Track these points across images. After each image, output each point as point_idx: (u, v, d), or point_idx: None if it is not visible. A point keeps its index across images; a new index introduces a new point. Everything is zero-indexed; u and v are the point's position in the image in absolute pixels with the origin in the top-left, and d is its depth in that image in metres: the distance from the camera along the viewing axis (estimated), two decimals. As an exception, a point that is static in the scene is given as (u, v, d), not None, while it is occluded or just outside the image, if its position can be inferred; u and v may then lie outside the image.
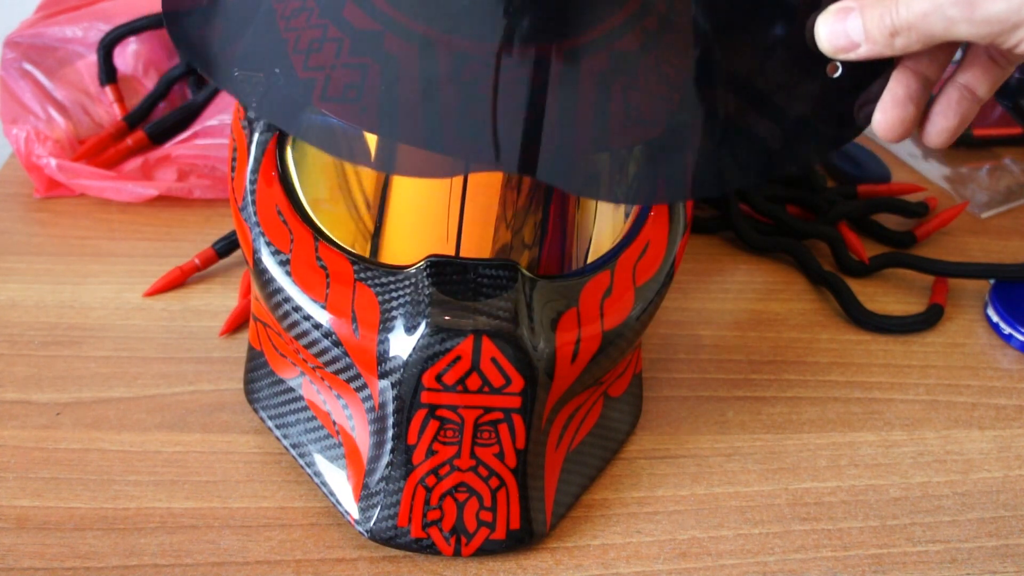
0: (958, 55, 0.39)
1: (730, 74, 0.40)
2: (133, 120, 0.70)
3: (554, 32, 0.39)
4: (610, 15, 0.40)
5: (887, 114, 0.38)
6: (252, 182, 0.45)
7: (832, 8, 0.36)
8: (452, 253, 0.43)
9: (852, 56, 0.36)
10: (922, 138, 0.39)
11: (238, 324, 0.56)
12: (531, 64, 0.38)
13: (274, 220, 0.44)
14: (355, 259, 0.43)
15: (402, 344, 0.40)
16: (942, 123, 0.38)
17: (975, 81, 0.38)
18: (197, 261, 0.59)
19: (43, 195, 0.67)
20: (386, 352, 0.41)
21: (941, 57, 0.38)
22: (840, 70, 0.39)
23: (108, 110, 0.71)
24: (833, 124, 0.40)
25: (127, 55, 0.72)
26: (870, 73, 0.38)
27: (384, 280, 0.42)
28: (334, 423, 0.45)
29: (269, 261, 0.44)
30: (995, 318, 0.61)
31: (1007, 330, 0.60)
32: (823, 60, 0.37)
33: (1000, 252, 0.70)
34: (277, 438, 0.48)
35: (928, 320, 0.61)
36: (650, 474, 0.49)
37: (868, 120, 0.39)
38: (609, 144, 0.39)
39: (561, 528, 0.46)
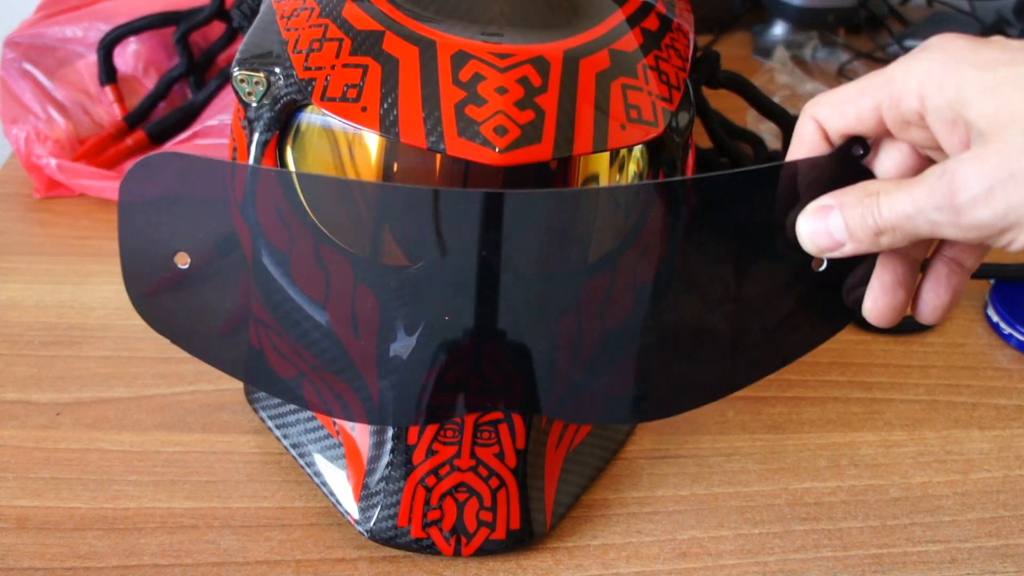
0: None
1: (711, 282, 0.39)
2: (133, 120, 0.70)
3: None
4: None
5: (877, 302, 0.37)
6: (252, 182, 0.45)
7: (811, 207, 0.35)
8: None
9: (837, 255, 0.34)
10: (916, 317, 0.37)
11: (238, 324, 0.56)
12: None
13: (274, 220, 0.44)
14: (355, 259, 0.43)
15: (402, 344, 0.40)
16: (934, 301, 0.37)
17: (963, 255, 0.36)
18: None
19: (43, 195, 0.67)
20: (386, 352, 0.41)
21: (928, 240, 0.35)
22: (824, 263, 0.37)
23: (108, 110, 0.71)
24: (825, 314, 0.39)
25: (127, 55, 0.72)
26: (855, 260, 0.37)
27: (384, 280, 0.42)
28: (334, 423, 0.45)
29: (269, 261, 0.43)
30: (995, 318, 0.61)
31: (1007, 330, 0.60)
32: (806, 256, 0.36)
33: (1000, 252, 0.70)
34: (277, 438, 0.48)
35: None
36: (650, 474, 0.49)
37: (858, 305, 0.38)
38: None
39: (561, 528, 0.46)
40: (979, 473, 0.51)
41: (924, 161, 0.35)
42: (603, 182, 0.44)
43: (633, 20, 0.43)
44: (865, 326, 0.60)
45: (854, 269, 0.37)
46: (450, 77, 0.38)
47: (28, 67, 0.69)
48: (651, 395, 0.41)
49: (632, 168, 0.45)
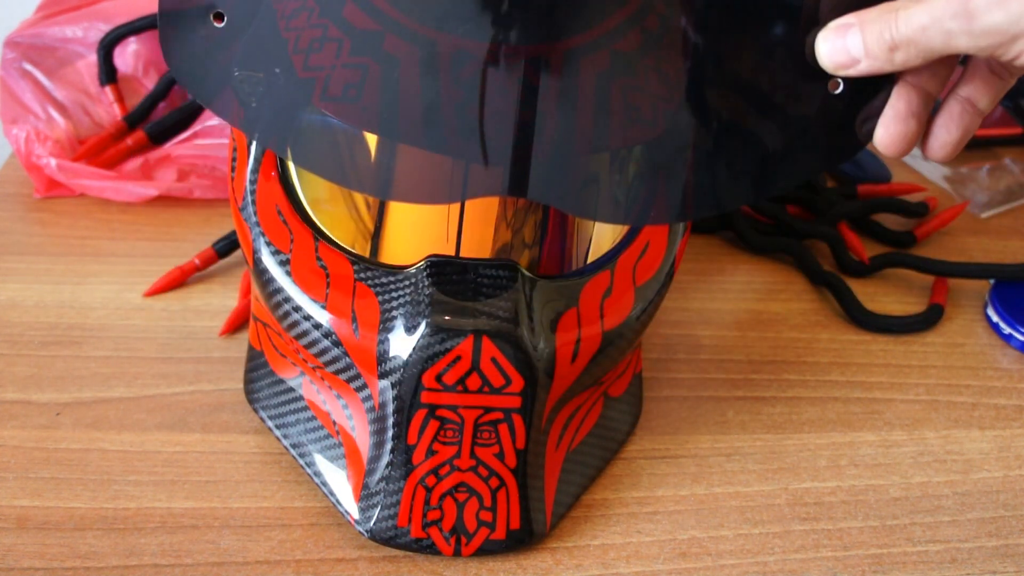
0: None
1: (731, 79, 0.40)
2: (133, 120, 0.70)
3: (552, 32, 0.39)
4: (609, 15, 0.40)
5: (889, 129, 0.38)
6: (252, 182, 0.45)
7: (832, 24, 0.36)
8: (452, 253, 0.43)
9: (852, 72, 0.36)
10: (924, 152, 0.39)
11: (238, 324, 0.56)
12: (524, 67, 0.38)
13: (274, 220, 0.44)
14: (355, 259, 0.43)
15: (402, 344, 0.40)
16: (944, 136, 0.38)
17: (976, 94, 0.38)
18: (197, 261, 0.59)
19: (43, 195, 0.67)
20: (386, 352, 0.41)
21: (942, 72, 0.38)
22: (841, 86, 0.39)
23: (108, 110, 0.71)
24: (835, 139, 0.40)
25: (127, 55, 0.72)
26: (872, 88, 0.38)
27: (384, 280, 0.42)
28: (334, 423, 0.45)
29: (269, 261, 0.44)
30: (995, 318, 0.61)
31: (1007, 330, 0.60)
32: (824, 76, 0.37)
33: (1000, 252, 0.70)
34: (277, 438, 0.48)
35: (928, 320, 0.61)
36: (650, 474, 0.49)
37: (870, 135, 0.39)
38: (608, 145, 0.39)
39: (561, 528, 0.46)
40: (979, 473, 0.51)
41: None
42: (603, 182, 0.44)
43: (634, 20, 0.43)
44: (865, 326, 0.60)
45: (871, 98, 0.38)
46: (450, 77, 0.38)
47: (28, 67, 0.69)
48: (665, 195, 0.41)
49: (632, 168, 0.45)
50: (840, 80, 0.39)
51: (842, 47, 0.36)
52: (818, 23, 0.37)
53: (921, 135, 0.38)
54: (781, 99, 0.40)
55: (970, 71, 0.39)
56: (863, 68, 0.35)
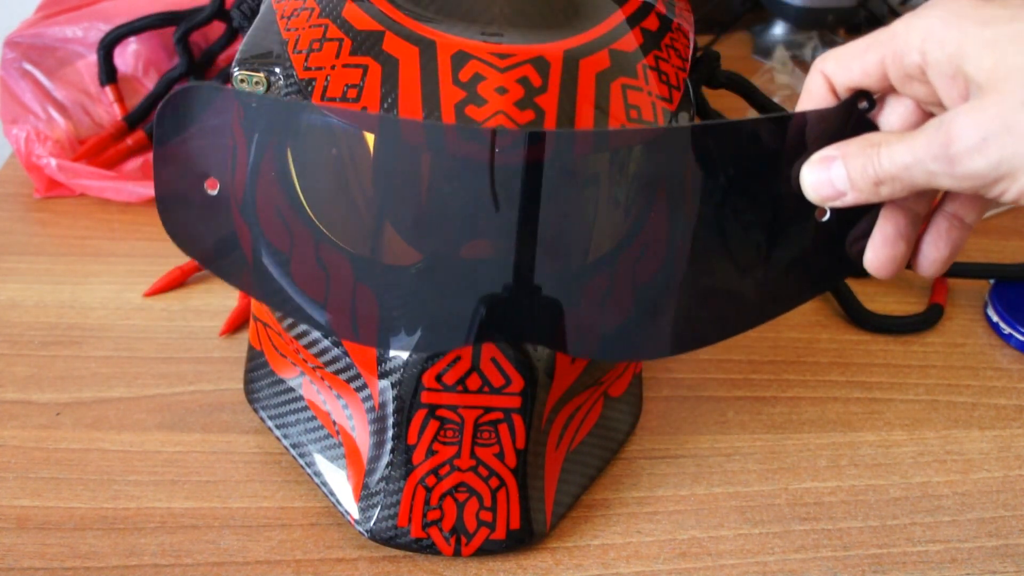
0: None
1: (720, 219, 0.39)
2: (133, 120, 0.70)
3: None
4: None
5: (878, 253, 0.37)
6: (252, 182, 0.45)
7: (815, 157, 0.35)
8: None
9: (839, 204, 0.35)
10: (915, 269, 0.38)
11: (238, 324, 0.56)
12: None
13: (274, 220, 0.44)
14: (355, 259, 0.43)
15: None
16: (933, 254, 0.37)
17: (963, 210, 0.37)
18: (197, 261, 0.59)
19: (43, 195, 0.67)
20: (386, 352, 0.41)
21: (929, 194, 0.37)
22: (828, 214, 0.38)
23: (108, 110, 0.71)
24: (825, 264, 0.40)
25: (127, 55, 0.72)
26: (859, 211, 0.37)
27: (384, 280, 0.42)
28: (334, 423, 0.45)
29: (269, 261, 0.43)
30: (995, 318, 0.61)
31: (1007, 330, 0.60)
32: (811, 205, 0.36)
33: (1000, 252, 0.70)
34: (277, 438, 0.48)
35: (928, 320, 0.61)
36: (650, 474, 0.49)
37: (860, 256, 0.38)
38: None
39: (561, 528, 0.46)
40: (979, 473, 0.51)
41: (927, 116, 0.36)
42: (603, 182, 0.44)
43: (633, 20, 0.43)
44: (865, 326, 0.60)
45: (858, 221, 0.38)
46: (450, 77, 0.38)
47: (28, 67, 0.69)
48: (659, 332, 0.41)
49: (632, 168, 0.45)
50: (827, 208, 0.38)
51: (827, 180, 0.35)
52: (803, 153, 0.36)
53: (909, 256, 0.38)
54: (771, 233, 0.39)
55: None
56: (849, 200, 0.35)
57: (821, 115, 0.37)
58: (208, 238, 0.39)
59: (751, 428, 0.53)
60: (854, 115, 0.36)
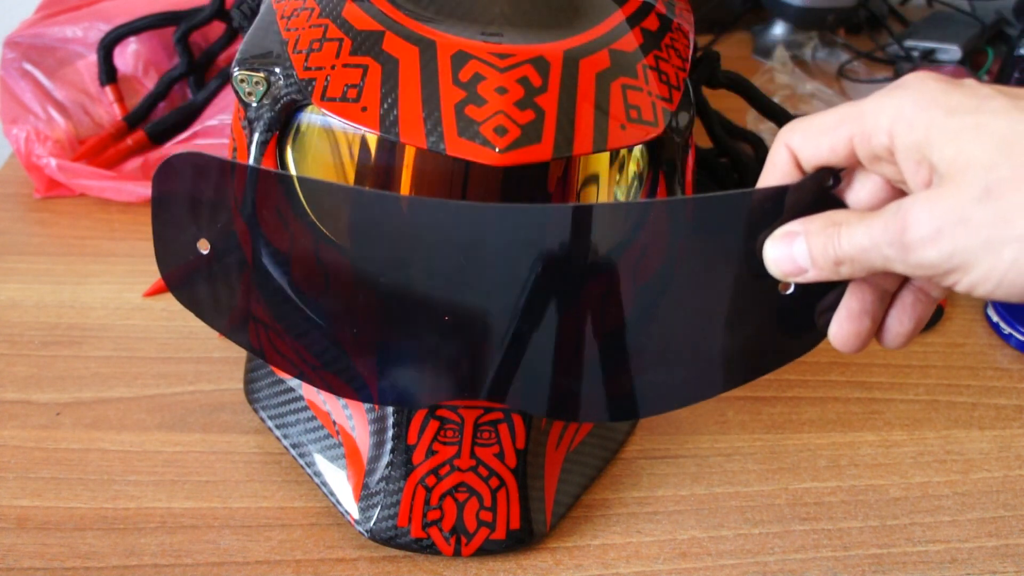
0: None
1: (686, 295, 0.39)
2: (133, 120, 0.70)
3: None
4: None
5: (843, 328, 0.37)
6: (252, 182, 0.45)
7: (778, 233, 0.35)
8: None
9: (800, 280, 0.35)
10: (880, 342, 0.38)
11: (238, 324, 0.56)
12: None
13: (274, 220, 0.44)
14: (354, 259, 0.43)
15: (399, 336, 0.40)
16: (897, 328, 0.37)
17: (929, 285, 0.36)
18: (197, 261, 0.59)
19: (43, 195, 0.67)
20: (387, 344, 0.41)
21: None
22: (792, 287, 0.38)
23: (108, 110, 0.71)
24: (791, 335, 0.39)
25: (127, 55, 0.72)
26: (827, 284, 0.37)
27: (384, 280, 0.42)
28: (334, 423, 0.45)
29: (269, 261, 0.43)
30: (995, 318, 0.61)
31: (1007, 330, 0.60)
32: (775, 279, 0.36)
33: (1000, 252, 0.70)
34: (277, 438, 0.48)
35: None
36: (650, 474, 0.49)
37: (827, 327, 0.38)
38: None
39: (561, 528, 0.46)
40: (979, 473, 0.51)
41: (896, 193, 0.35)
42: (603, 182, 0.44)
43: (633, 20, 0.43)
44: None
45: (826, 293, 0.37)
46: (450, 77, 0.38)
47: (28, 67, 0.69)
48: (627, 397, 0.42)
49: (632, 168, 0.45)
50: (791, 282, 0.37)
51: (788, 256, 0.35)
52: (769, 226, 0.36)
53: (875, 331, 0.37)
54: (735, 308, 0.39)
55: None
56: (811, 277, 0.34)
57: (788, 190, 0.36)
58: (206, 298, 0.41)
59: (751, 428, 0.53)
60: (820, 191, 0.35)
